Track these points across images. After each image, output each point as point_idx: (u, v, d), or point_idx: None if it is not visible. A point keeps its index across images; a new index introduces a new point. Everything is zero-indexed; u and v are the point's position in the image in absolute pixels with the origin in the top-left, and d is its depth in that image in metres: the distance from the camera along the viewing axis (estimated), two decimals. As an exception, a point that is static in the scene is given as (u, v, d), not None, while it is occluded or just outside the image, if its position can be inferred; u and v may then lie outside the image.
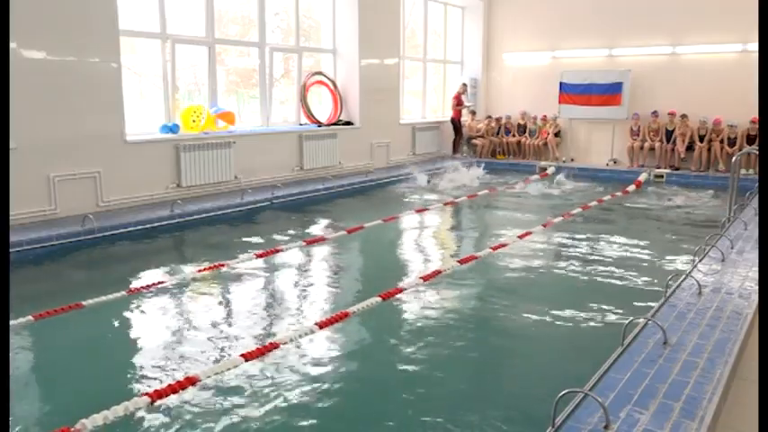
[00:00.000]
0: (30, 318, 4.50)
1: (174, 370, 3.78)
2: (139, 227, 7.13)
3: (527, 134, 14.44)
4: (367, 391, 3.66)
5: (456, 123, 14.31)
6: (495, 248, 6.58)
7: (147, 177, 8.19)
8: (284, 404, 3.41)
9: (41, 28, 6.90)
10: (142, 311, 4.81)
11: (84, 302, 4.82)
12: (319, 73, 11.49)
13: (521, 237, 7.14)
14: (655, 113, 12.76)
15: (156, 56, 8.75)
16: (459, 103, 14.13)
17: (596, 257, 6.36)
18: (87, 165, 7.51)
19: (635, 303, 5.00)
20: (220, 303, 5.08)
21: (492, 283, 5.68)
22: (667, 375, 3.20)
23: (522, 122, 14.58)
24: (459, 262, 6.06)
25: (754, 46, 11.67)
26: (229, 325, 4.61)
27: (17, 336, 4.24)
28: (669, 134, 12.64)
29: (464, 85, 14.42)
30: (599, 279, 5.69)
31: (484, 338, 4.46)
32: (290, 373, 3.76)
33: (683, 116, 12.39)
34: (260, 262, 6.12)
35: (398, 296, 5.11)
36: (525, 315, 4.82)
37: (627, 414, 2.79)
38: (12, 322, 4.36)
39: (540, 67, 14.47)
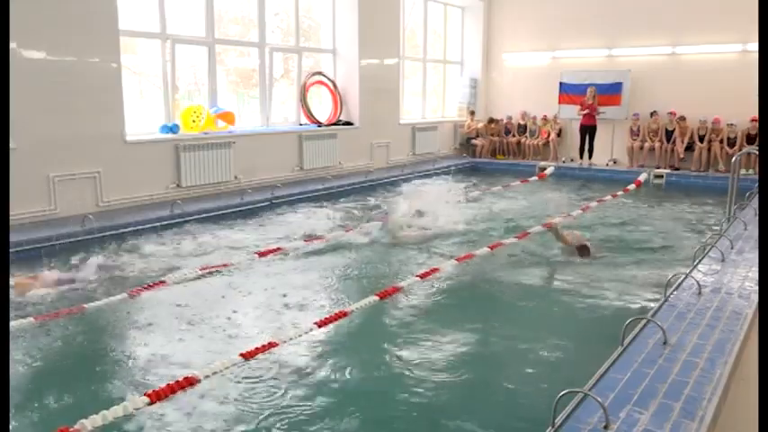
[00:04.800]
0: (31, 319, 4.50)
1: (173, 370, 3.78)
2: (139, 227, 7.13)
3: (527, 134, 14.44)
4: (366, 391, 3.66)
5: (587, 129, 13.00)
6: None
7: (147, 177, 8.18)
8: (284, 404, 3.41)
9: (41, 28, 6.90)
10: (142, 312, 4.80)
11: (84, 303, 4.83)
12: (319, 73, 11.48)
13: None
14: (654, 113, 12.77)
15: (156, 56, 8.75)
16: (586, 107, 12.87)
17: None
18: (87, 165, 7.51)
19: (635, 303, 5.01)
20: (220, 303, 5.07)
21: (490, 283, 5.68)
22: (667, 375, 3.19)
23: (522, 122, 14.59)
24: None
25: (754, 46, 11.67)
26: (229, 325, 4.60)
27: (18, 336, 4.23)
28: (669, 134, 12.65)
29: (593, 88, 12.99)
30: (597, 281, 5.69)
31: (483, 337, 4.46)
32: (289, 372, 3.76)
33: (681, 118, 12.41)
34: (261, 261, 6.12)
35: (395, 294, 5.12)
36: (523, 315, 4.82)
37: (627, 414, 2.79)
38: (12, 323, 4.36)
39: (540, 67, 14.47)
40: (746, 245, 5.95)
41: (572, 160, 13.70)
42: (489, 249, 6.54)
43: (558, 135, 14.02)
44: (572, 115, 13.50)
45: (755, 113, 11.05)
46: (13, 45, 6.60)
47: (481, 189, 10.80)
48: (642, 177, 11.76)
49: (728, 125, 11.98)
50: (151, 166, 8.25)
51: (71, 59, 7.24)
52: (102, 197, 7.66)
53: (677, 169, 12.34)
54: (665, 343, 3.59)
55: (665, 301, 4.35)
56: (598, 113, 12.97)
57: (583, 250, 6.23)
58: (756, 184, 7.98)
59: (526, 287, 5.49)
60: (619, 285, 5.51)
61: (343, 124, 11.66)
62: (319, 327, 4.40)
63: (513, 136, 14.61)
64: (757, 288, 4.57)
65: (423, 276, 5.57)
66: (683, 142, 12.42)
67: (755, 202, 7.65)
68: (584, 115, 12.94)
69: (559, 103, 13.78)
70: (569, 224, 7.77)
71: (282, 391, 3.56)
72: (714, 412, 2.86)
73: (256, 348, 3.98)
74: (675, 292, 4.53)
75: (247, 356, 3.87)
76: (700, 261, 5.37)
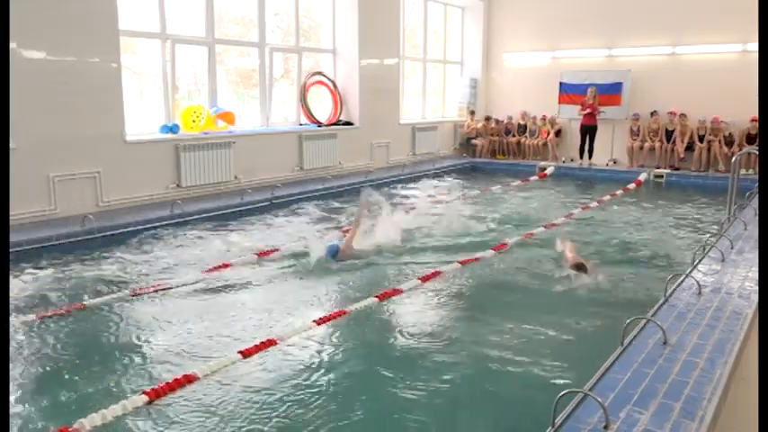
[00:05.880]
0: (32, 317, 4.50)
1: (172, 369, 3.78)
2: (139, 227, 7.12)
3: (527, 134, 14.44)
4: (365, 390, 3.66)
5: (588, 129, 12.93)
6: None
7: (147, 177, 8.18)
8: (282, 402, 3.41)
9: (41, 28, 6.90)
10: (142, 311, 4.80)
11: (85, 302, 4.83)
12: (319, 73, 11.48)
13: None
14: (655, 113, 12.77)
15: (156, 56, 8.75)
16: (586, 107, 12.80)
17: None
18: (87, 165, 7.51)
19: (634, 303, 5.00)
20: (220, 303, 5.07)
21: (489, 283, 5.68)
22: (667, 375, 3.19)
23: (522, 122, 14.59)
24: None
25: (754, 46, 11.67)
26: (228, 324, 4.60)
27: (18, 336, 4.23)
28: (669, 134, 12.65)
29: (594, 88, 12.93)
30: (597, 280, 5.69)
31: (482, 338, 4.46)
32: (287, 371, 3.76)
33: (682, 116, 12.41)
34: (260, 261, 6.12)
35: (395, 296, 5.11)
36: (523, 315, 4.81)
37: (627, 414, 2.79)
38: (13, 321, 4.36)
39: (540, 67, 14.47)
40: (746, 245, 5.95)
41: (572, 160, 13.69)
42: (492, 252, 6.54)
43: (557, 135, 14.02)
44: (572, 115, 13.50)
45: (755, 113, 11.05)
46: (13, 45, 6.60)
47: (481, 189, 10.80)
48: (642, 177, 11.77)
49: (721, 122, 12.00)
50: (151, 166, 8.25)
51: (71, 59, 7.23)
52: (102, 197, 7.66)
53: (677, 169, 12.34)
54: (665, 343, 3.59)
55: (665, 301, 4.35)
56: (599, 113, 12.93)
57: (580, 268, 6.00)
58: (756, 184, 7.98)
59: (526, 287, 5.49)
60: (619, 285, 5.50)
61: (344, 124, 11.66)
62: (318, 324, 4.41)
63: (513, 136, 14.61)
64: (757, 288, 4.57)
65: (424, 279, 5.57)
66: (683, 142, 12.42)
67: (755, 202, 7.64)
68: (585, 115, 12.89)
69: (559, 103, 13.78)
70: (566, 227, 7.76)
71: (282, 388, 3.56)
72: (714, 412, 2.86)
73: (255, 346, 3.99)
74: (675, 292, 4.53)
75: (246, 354, 3.88)
76: (700, 261, 5.37)
